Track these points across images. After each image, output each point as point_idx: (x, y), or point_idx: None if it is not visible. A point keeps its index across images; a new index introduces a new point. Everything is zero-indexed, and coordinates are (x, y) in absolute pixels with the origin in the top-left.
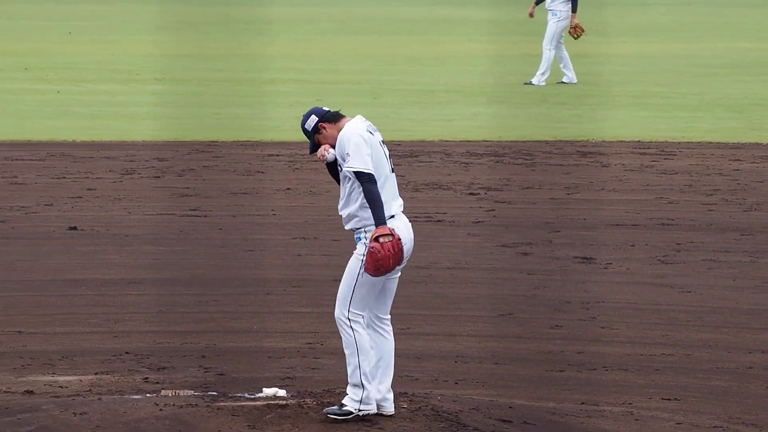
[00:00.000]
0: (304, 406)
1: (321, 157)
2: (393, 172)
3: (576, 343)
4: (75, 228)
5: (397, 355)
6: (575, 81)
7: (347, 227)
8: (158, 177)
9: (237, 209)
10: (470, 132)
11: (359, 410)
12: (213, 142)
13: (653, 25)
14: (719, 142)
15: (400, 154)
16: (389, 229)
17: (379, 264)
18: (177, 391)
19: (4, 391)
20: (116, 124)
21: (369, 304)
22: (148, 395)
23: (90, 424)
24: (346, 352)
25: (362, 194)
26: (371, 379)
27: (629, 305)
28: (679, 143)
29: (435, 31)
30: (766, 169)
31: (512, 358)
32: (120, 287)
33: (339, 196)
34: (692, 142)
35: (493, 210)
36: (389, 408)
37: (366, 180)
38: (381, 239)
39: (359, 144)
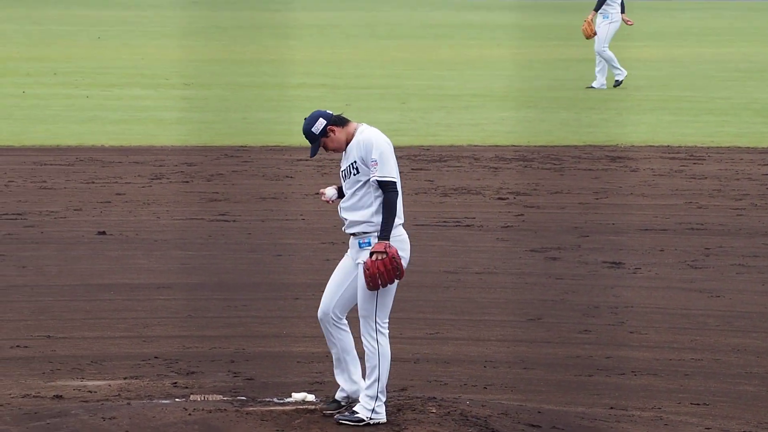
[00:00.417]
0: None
1: (322, 196)
2: None
3: (605, 347)
4: (104, 233)
5: (425, 360)
6: (605, 87)
7: (351, 231)
8: (187, 182)
9: (266, 214)
10: (499, 137)
11: (370, 419)
12: (242, 146)
13: (680, 29)
14: (748, 147)
15: (429, 159)
16: (385, 245)
17: (368, 281)
18: (206, 396)
19: (34, 396)
20: (145, 128)
21: (389, 309)
22: (177, 400)
23: (119, 429)
24: (367, 364)
25: (377, 201)
26: (385, 392)
27: (658, 310)
28: (708, 148)
29: (463, 35)
30: None
31: (541, 363)
32: (149, 292)
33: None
34: (721, 147)
35: (522, 215)
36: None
37: (392, 190)
38: (374, 256)
39: (388, 152)
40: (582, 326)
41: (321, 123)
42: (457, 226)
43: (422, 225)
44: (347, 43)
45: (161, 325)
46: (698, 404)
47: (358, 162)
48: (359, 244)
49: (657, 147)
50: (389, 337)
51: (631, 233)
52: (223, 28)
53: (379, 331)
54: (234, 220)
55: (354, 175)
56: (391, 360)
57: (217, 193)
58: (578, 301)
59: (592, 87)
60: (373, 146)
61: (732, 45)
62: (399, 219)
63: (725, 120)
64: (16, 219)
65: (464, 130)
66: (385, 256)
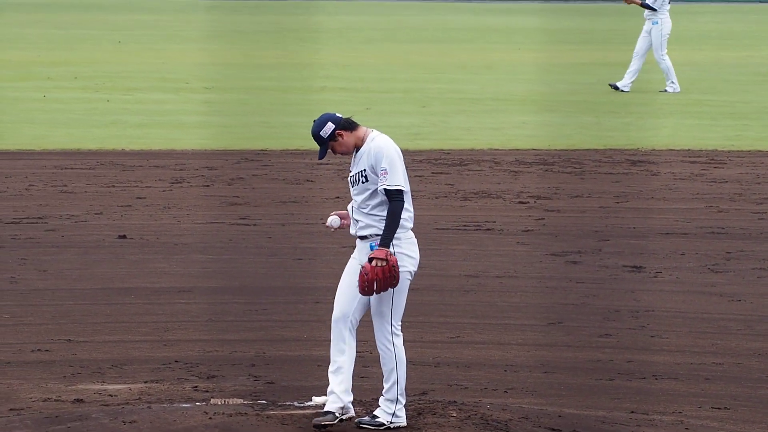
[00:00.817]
0: (344, 420)
1: (327, 227)
2: None
3: (626, 351)
4: (124, 236)
5: (446, 364)
6: (628, 90)
7: (361, 233)
8: (207, 186)
9: (286, 218)
10: (519, 140)
11: (391, 423)
12: (262, 150)
13: (700, 33)
14: None
15: (449, 162)
16: (386, 253)
17: (364, 285)
18: (226, 400)
19: (54, 400)
20: (166, 132)
21: (403, 310)
22: (197, 404)
23: None
24: (384, 368)
25: (385, 206)
26: (405, 395)
27: (679, 314)
28: (728, 152)
29: (484, 39)
30: None
31: (562, 367)
32: (169, 296)
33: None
34: (742, 151)
35: (542, 219)
36: (353, 410)
37: (398, 199)
38: (374, 262)
39: (397, 161)
40: (603, 330)
41: (330, 127)
42: (477, 230)
43: (443, 229)
44: (368, 47)
45: (182, 329)
46: (719, 408)
47: (368, 170)
48: (371, 246)
49: (678, 151)
50: (403, 340)
51: (652, 237)
52: (245, 32)
53: (394, 333)
54: (254, 224)
55: (363, 183)
56: (412, 364)
57: (237, 196)
58: (599, 305)
59: (616, 86)
60: (383, 155)
61: (752, 49)
62: (409, 223)
63: (746, 124)
64: (37, 223)
65: (485, 133)
66: (385, 263)
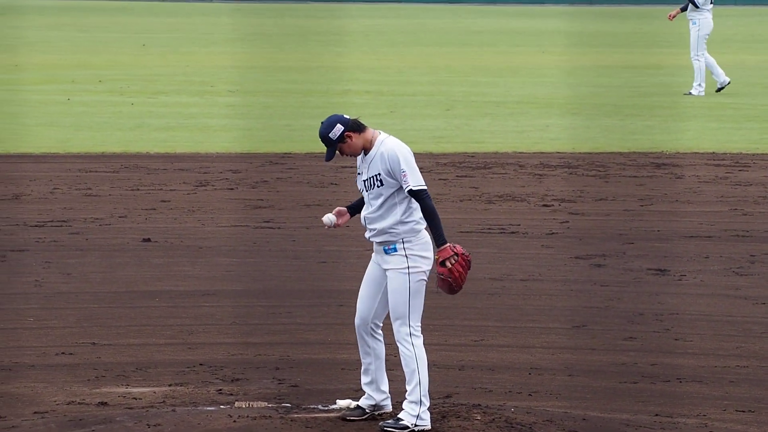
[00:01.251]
0: (377, 417)
1: (325, 225)
2: None
3: (650, 354)
4: (149, 240)
5: (470, 367)
6: (728, 81)
7: (378, 240)
8: (232, 189)
9: (310, 221)
10: (543, 143)
11: (416, 426)
12: (286, 153)
13: (723, 37)
14: None
15: (474, 165)
16: (450, 247)
17: (452, 287)
18: (251, 403)
19: (79, 403)
20: (190, 136)
21: (422, 311)
22: (222, 407)
23: None
24: (406, 369)
25: (401, 209)
26: (428, 397)
27: (703, 317)
28: (753, 155)
29: (507, 42)
30: None
31: (586, 370)
32: (194, 299)
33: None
34: (766, 154)
35: (566, 222)
36: (389, 406)
37: (426, 196)
38: (446, 263)
39: (413, 161)
40: (627, 333)
41: (339, 129)
42: (501, 233)
43: (467, 232)
44: (392, 50)
45: (206, 332)
46: (743, 411)
47: (383, 174)
48: (384, 250)
49: (702, 154)
50: (428, 343)
51: (676, 240)
52: (269, 35)
53: (413, 334)
54: (279, 227)
55: (378, 187)
56: (437, 367)
57: (261, 200)
58: (623, 308)
59: (688, 93)
60: (399, 158)
61: None
62: (422, 224)
63: None
64: (61, 226)
65: (509, 137)
66: (456, 258)
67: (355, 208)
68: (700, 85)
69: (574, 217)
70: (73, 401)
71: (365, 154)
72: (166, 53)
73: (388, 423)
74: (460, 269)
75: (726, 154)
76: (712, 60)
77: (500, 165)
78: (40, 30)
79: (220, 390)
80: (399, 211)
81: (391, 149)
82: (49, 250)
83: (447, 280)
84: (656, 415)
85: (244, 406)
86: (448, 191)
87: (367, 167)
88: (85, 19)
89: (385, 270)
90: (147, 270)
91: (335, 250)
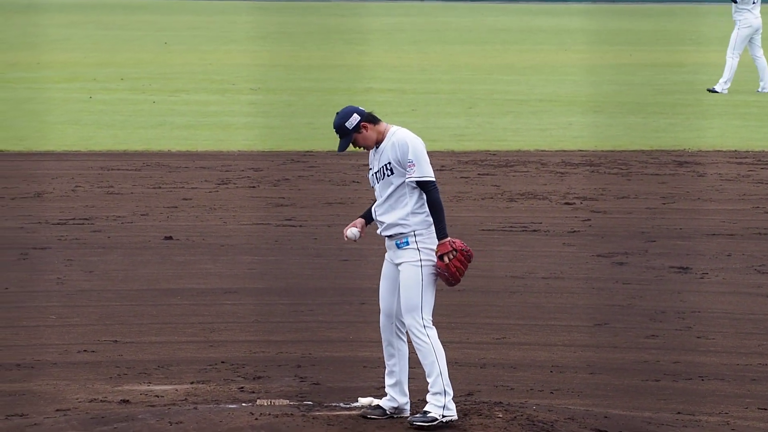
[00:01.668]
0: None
1: (347, 238)
2: None
3: (672, 352)
4: (171, 238)
5: (492, 365)
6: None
7: (388, 233)
8: (253, 187)
9: (332, 219)
10: (565, 141)
11: (443, 416)
12: (308, 152)
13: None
14: None
15: (495, 163)
16: (449, 242)
17: (449, 281)
18: (272, 401)
19: (101, 401)
20: (212, 134)
21: (433, 304)
22: (243, 405)
23: None
24: (425, 362)
25: (413, 200)
26: (451, 386)
27: (725, 315)
28: None
29: (530, 40)
30: None
31: (608, 368)
32: (216, 297)
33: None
34: None
35: (588, 220)
36: (408, 411)
37: (433, 188)
38: (445, 257)
39: (423, 152)
40: (649, 331)
41: (355, 118)
42: (523, 231)
43: (489, 230)
44: (414, 48)
45: (228, 330)
46: (765, 409)
47: (393, 163)
48: (396, 244)
49: (724, 152)
50: (449, 341)
51: (699, 238)
52: (290, 34)
53: (426, 326)
54: (300, 225)
55: (388, 176)
56: (458, 365)
57: (283, 198)
58: (645, 306)
59: (759, 91)
60: (409, 147)
61: None
62: (431, 217)
63: None
64: (83, 224)
65: (531, 135)
66: (455, 253)
67: (369, 214)
68: (726, 82)
69: (596, 215)
70: (95, 399)
71: (377, 147)
72: (187, 51)
73: (416, 417)
74: (458, 264)
75: (749, 152)
76: (764, 63)
77: (522, 163)
78: (62, 28)
79: (242, 388)
80: (410, 201)
81: (402, 138)
82: (71, 247)
83: (444, 274)
84: (678, 413)
85: (265, 404)
86: (470, 189)
87: (378, 159)
88: (107, 17)
89: (398, 264)
90: (169, 268)
91: (357, 248)
